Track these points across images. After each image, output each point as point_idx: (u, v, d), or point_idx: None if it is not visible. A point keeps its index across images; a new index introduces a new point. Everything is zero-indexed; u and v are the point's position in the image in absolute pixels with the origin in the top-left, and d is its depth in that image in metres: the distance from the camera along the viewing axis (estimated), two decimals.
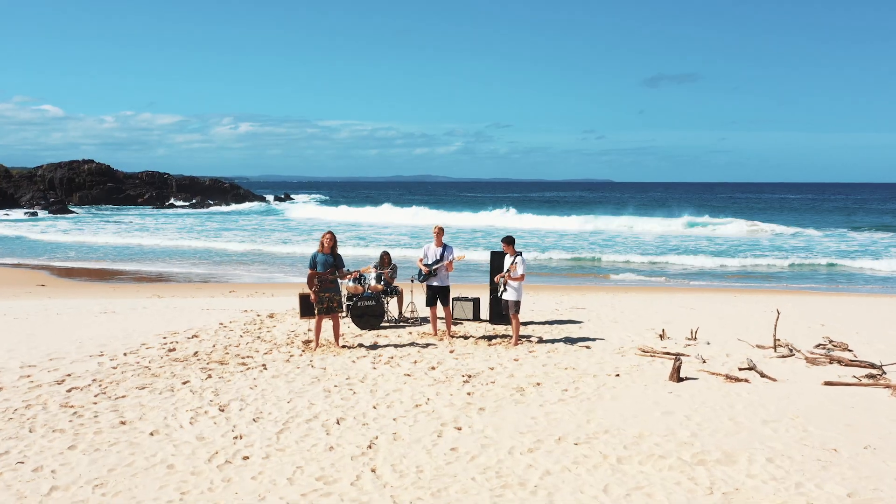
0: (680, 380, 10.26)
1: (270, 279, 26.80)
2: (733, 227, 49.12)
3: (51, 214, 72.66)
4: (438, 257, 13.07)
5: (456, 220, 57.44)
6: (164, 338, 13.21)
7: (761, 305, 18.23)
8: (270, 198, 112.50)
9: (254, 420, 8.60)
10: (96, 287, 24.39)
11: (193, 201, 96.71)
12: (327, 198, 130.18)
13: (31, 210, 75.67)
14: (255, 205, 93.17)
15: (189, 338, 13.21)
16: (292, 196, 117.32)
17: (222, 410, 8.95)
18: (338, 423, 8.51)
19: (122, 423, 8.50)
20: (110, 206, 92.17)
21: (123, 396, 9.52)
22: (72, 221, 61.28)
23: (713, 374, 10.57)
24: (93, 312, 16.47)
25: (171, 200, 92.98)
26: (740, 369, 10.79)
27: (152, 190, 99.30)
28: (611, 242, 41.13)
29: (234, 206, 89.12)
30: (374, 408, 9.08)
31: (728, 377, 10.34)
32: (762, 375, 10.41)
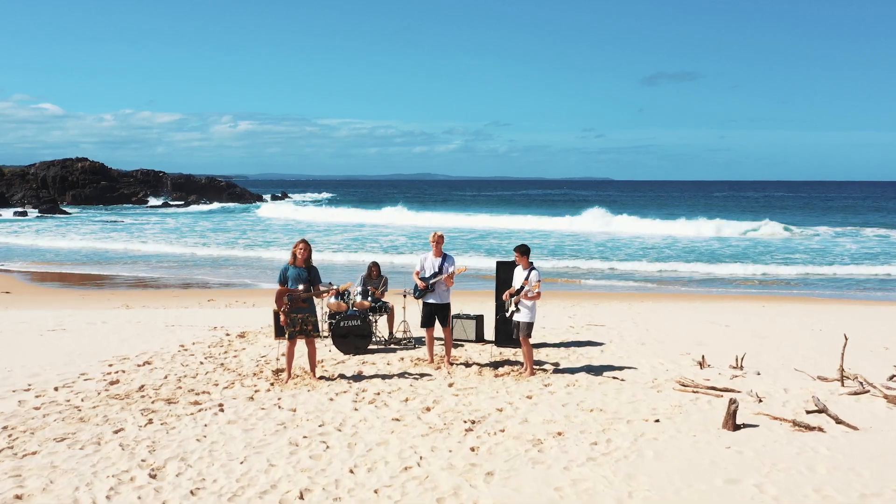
0: (736, 427, 8.17)
1: (253, 286, 24.68)
2: (744, 228, 46.79)
3: (41, 215, 70.36)
4: (437, 269, 10.96)
5: (454, 221, 55.26)
6: (111, 365, 11.11)
7: (800, 319, 16.12)
8: (268, 197, 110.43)
9: (191, 493, 6.51)
10: (65, 295, 22.29)
11: (189, 199, 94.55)
12: (332, 195, 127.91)
13: (21, 209, 73.48)
14: (237, 204, 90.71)
15: (139, 365, 11.11)
16: (290, 195, 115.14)
17: (153, 476, 6.86)
18: (301, 496, 6.43)
19: (18, 496, 6.42)
20: (103, 205, 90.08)
21: (34, 453, 7.44)
22: (61, 221, 59.11)
23: (776, 419, 8.48)
24: (41, 329, 14.37)
25: (165, 199, 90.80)
26: (808, 412, 8.70)
27: (146, 188, 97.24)
28: (618, 244, 39.02)
29: (214, 205, 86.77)
30: (351, 472, 6.99)
31: (796, 424, 8.25)
32: (838, 422, 8.32)
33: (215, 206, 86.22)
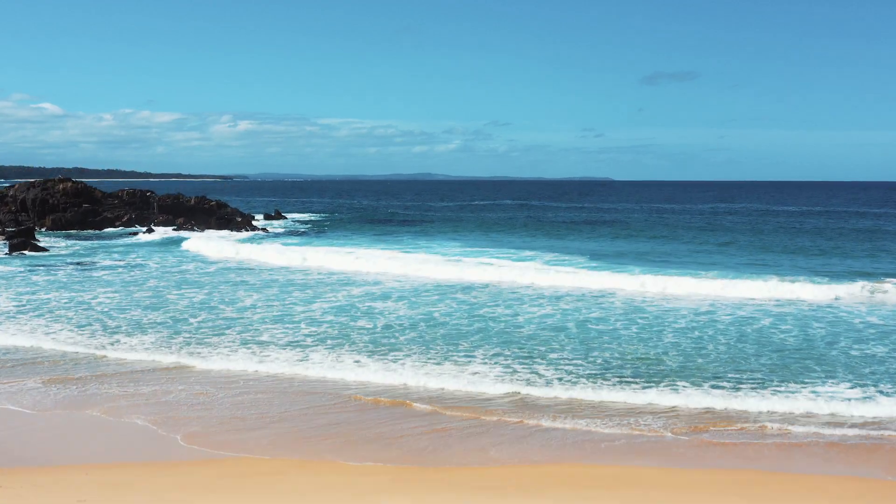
0: None
1: (154, 455, 17.53)
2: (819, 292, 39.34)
3: (9, 254, 63.24)
4: None
5: (457, 272, 48.28)
6: None
7: None
8: (260, 217, 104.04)
9: None
10: None
11: (178, 222, 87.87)
12: (328, 215, 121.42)
13: None
14: (221, 231, 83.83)
15: None
16: (284, 214, 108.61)
17: None
18: None
19: None
20: (85, 230, 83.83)
21: None
22: (21, 266, 52.21)
23: None
24: None
25: (150, 226, 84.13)
26: None
27: (132, 211, 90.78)
28: (636, 317, 32.27)
29: (157, 234, 79.83)
30: None
31: None
32: None
33: (166, 234, 79.17)
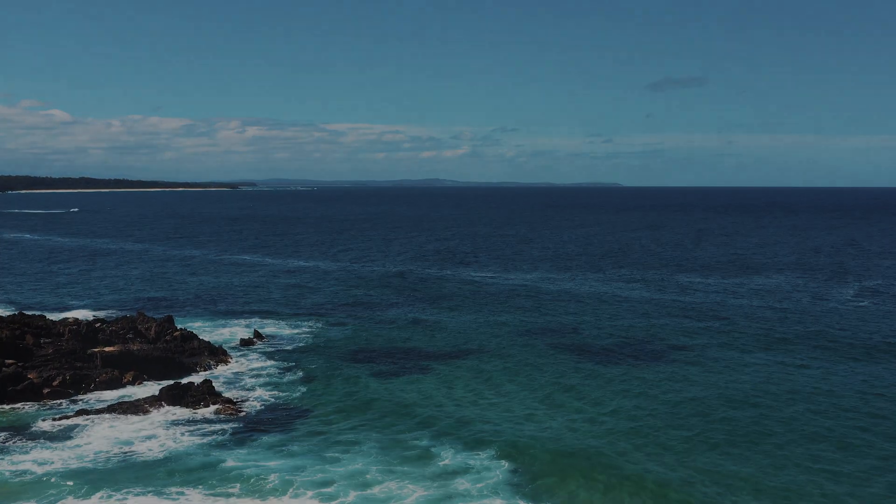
0: None
1: None
2: None
3: None
4: None
5: None
6: None
7: None
8: (236, 341, 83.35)
9: None
10: None
11: (125, 381, 67.44)
12: (315, 333, 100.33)
13: None
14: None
15: None
16: (263, 335, 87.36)
17: None
18: None
19: None
20: (2, 406, 62.96)
21: None
22: None
23: None
24: None
25: (84, 405, 63.06)
26: None
27: (66, 368, 69.66)
28: None
29: None
30: None
31: None
32: None
33: None
